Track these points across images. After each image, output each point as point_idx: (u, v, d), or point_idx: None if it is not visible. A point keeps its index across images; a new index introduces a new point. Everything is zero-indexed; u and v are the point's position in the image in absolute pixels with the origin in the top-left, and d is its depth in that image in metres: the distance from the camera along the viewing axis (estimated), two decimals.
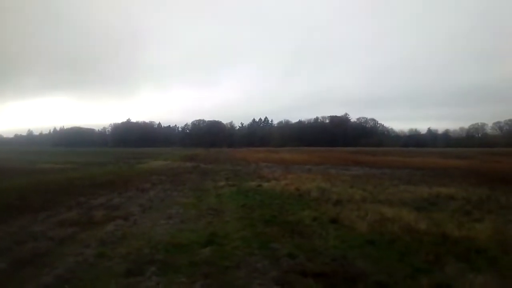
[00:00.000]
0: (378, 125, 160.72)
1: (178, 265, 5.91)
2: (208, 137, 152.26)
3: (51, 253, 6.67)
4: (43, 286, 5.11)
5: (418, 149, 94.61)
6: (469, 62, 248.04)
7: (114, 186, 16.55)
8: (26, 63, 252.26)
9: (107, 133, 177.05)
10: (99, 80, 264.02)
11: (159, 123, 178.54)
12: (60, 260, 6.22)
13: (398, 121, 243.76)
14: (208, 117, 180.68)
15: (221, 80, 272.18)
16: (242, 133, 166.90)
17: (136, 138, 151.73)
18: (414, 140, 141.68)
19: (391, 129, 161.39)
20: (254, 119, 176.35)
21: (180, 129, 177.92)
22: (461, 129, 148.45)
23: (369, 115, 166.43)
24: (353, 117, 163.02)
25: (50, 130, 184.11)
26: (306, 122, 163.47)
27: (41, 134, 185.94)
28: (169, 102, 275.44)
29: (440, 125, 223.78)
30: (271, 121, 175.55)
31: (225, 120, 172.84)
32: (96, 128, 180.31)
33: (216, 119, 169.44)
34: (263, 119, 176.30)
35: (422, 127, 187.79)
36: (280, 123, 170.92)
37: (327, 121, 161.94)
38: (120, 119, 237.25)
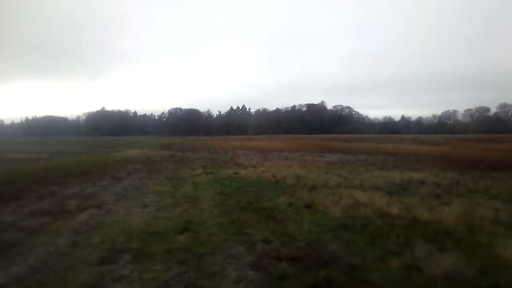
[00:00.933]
0: (354, 112, 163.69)
1: (153, 252, 5.89)
2: (185, 125, 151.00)
3: (22, 243, 6.51)
4: (14, 277, 5.00)
5: (392, 136, 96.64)
6: (443, 50, 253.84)
7: (88, 175, 16.22)
8: None
9: (81, 122, 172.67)
10: (72, 68, 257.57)
11: (135, 112, 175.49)
12: (31, 250, 6.08)
13: (373, 108, 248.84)
14: (185, 105, 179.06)
15: (198, 68, 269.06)
16: (220, 121, 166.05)
17: (111, 127, 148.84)
18: (388, 127, 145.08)
19: (366, 116, 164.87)
20: (231, 107, 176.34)
21: (156, 117, 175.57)
22: (434, 116, 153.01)
23: (345, 103, 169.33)
24: (329, 105, 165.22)
25: (21, 120, 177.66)
26: (284, 110, 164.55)
27: (12, 123, 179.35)
28: (145, 91, 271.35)
29: (414, 113, 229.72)
30: (249, 109, 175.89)
31: (202, 109, 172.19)
32: (70, 117, 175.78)
33: (194, 108, 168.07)
34: (240, 107, 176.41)
35: (396, 114, 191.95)
36: (257, 111, 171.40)
37: (304, 109, 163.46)
38: (94, 107, 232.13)
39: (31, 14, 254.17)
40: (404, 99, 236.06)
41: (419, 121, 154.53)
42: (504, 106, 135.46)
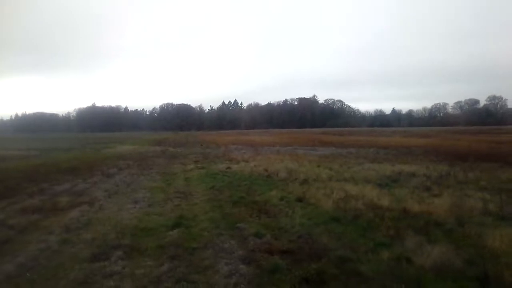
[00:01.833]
0: (345, 106, 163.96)
1: (145, 248, 5.87)
2: (177, 121, 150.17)
3: (12, 241, 6.45)
4: (4, 275, 4.96)
5: (383, 129, 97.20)
6: (432, 44, 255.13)
7: (79, 172, 16.09)
8: None
9: (71, 118, 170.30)
10: (62, 64, 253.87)
11: (126, 107, 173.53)
12: (22, 248, 6.03)
13: (364, 102, 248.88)
14: (176, 100, 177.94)
15: (189, 63, 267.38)
16: (212, 116, 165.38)
17: (102, 123, 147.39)
18: (379, 120, 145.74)
19: (358, 110, 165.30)
20: (223, 102, 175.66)
21: (148, 113, 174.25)
22: (424, 109, 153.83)
23: (336, 97, 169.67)
24: (320, 99, 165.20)
25: (11, 116, 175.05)
26: (275, 104, 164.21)
27: (1, 120, 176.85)
28: (136, 86, 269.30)
29: (404, 105, 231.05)
30: (241, 103, 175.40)
31: (194, 104, 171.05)
32: (60, 114, 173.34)
33: (185, 103, 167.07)
34: (232, 102, 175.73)
35: (387, 107, 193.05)
36: (249, 105, 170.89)
37: (296, 103, 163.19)
38: (85, 103, 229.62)
39: (20, 10, 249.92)
40: (394, 92, 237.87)
41: (409, 114, 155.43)
42: (493, 98, 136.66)
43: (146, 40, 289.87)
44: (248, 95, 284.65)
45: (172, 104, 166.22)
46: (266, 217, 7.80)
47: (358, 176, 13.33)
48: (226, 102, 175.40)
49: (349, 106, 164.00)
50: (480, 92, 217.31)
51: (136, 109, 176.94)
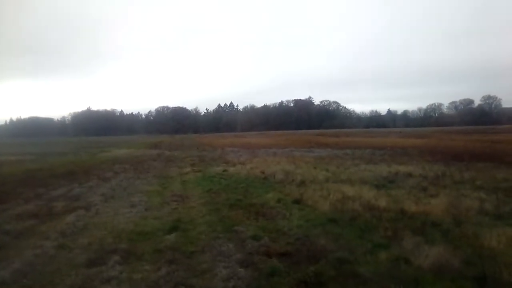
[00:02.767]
0: (341, 107, 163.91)
1: (142, 252, 5.85)
2: (172, 124, 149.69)
3: (8, 247, 6.41)
4: None
5: (378, 130, 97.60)
6: (427, 44, 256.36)
7: (74, 176, 16.01)
8: None
9: (67, 122, 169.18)
10: (57, 68, 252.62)
11: (121, 111, 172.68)
12: (17, 253, 5.98)
13: (360, 103, 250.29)
14: (172, 103, 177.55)
15: (184, 66, 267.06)
16: (208, 118, 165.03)
17: (98, 127, 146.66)
18: (375, 121, 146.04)
19: (353, 111, 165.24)
20: (219, 105, 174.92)
21: (143, 116, 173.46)
22: (419, 109, 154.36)
23: (331, 98, 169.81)
24: (316, 100, 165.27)
25: (6, 121, 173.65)
26: (271, 106, 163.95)
27: None
28: (131, 89, 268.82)
29: (400, 106, 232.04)
30: (237, 106, 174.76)
31: (189, 106, 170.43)
32: (55, 118, 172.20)
33: (181, 106, 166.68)
34: (228, 104, 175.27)
35: (383, 108, 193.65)
36: (245, 108, 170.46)
37: (292, 104, 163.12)
38: (80, 107, 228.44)
39: (14, 13, 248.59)
40: (390, 93, 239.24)
41: (405, 114, 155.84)
42: (487, 98, 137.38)
43: (141, 43, 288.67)
44: (244, 97, 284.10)
45: (167, 107, 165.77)
46: (263, 219, 7.79)
47: (355, 177, 13.35)
48: (222, 105, 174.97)
49: (345, 107, 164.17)
50: (474, 92, 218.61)
51: (132, 113, 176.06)
